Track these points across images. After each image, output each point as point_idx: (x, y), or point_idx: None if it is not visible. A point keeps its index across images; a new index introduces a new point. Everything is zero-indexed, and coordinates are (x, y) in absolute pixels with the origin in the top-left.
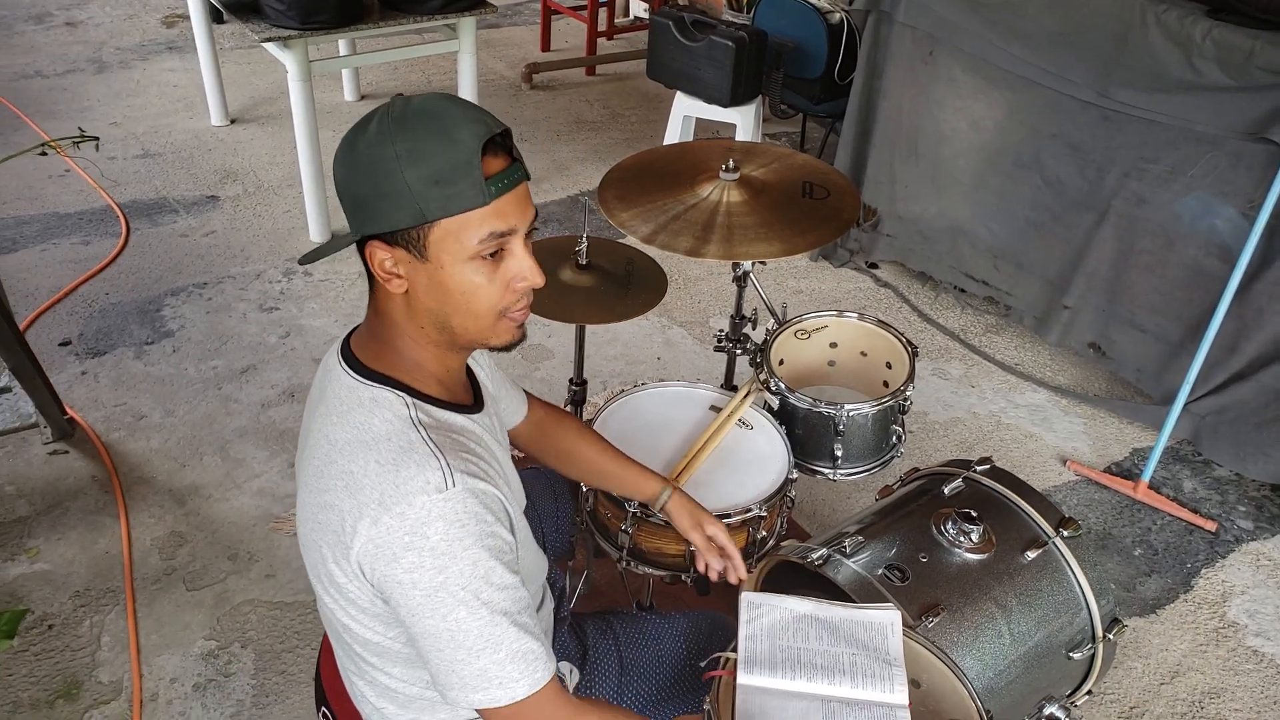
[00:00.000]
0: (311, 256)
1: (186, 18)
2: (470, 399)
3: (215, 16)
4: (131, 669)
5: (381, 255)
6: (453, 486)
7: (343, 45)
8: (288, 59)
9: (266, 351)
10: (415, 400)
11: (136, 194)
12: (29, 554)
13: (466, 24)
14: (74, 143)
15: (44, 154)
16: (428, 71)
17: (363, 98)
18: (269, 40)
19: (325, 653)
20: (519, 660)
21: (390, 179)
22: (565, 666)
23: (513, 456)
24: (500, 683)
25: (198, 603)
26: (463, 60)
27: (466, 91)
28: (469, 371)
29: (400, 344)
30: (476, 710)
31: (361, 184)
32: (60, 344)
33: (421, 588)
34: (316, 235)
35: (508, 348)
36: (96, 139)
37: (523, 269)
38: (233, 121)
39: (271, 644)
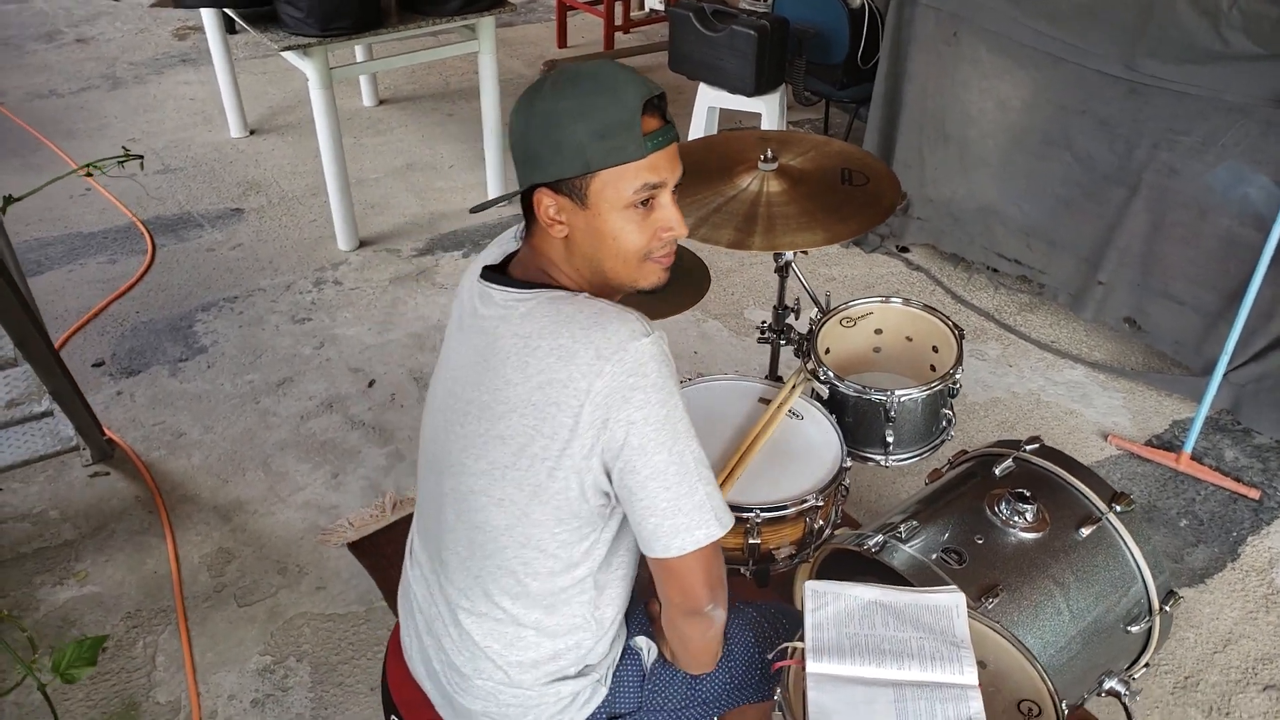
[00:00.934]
0: (483, 206)
1: (199, 29)
2: None
3: (229, 26)
4: (189, 688)
5: (548, 202)
6: (653, 332)
7: (359, 51)
8: (308, 67)
9: (302, 363)
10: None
11: (160, 210)
12: (78, 577)
13: (486, 24)
14: (119, 162)
15: (89, 174)
16: (445, 74)
17: (381, 102)
18: (289, 49)
19: (392, 662)
20: (718, 493)
21: (561, 131)
22: (644, 641)
23: None
24: (714, 514)
25: (250, 618)
26: (483, 60)
27: (488, 92)
28: None
29: (562, 280)
30: (685, 555)
31: (536, 136)
32: (94, 365)
33: (653, 422)
34: (344, 244)
35: (654, 290)
36: (140, 157)
37: (670, 219)
38: (252, 132)
39: (327, 656)
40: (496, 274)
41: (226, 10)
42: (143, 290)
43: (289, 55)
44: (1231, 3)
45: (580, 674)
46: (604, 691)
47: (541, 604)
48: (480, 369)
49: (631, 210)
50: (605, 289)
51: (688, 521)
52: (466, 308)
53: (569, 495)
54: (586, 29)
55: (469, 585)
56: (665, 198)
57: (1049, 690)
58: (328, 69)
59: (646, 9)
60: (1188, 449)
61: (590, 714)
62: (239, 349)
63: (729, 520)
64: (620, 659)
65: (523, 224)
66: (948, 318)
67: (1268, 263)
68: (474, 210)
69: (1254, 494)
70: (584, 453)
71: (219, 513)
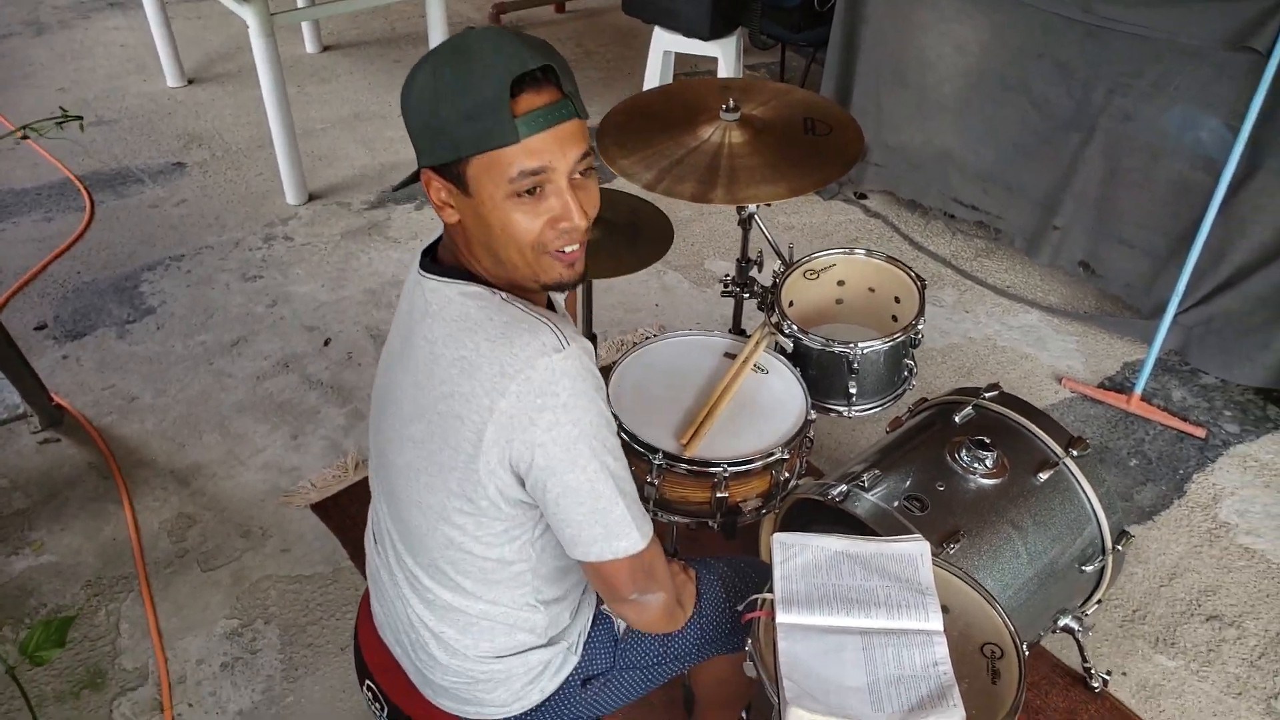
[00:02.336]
0: (404, 184)
1: None
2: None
3: None
4: (155, 653)
5: (436, 185)
6: (568, 345)
7: None
8: (247, 13)
9: (255, 322)
10: (505, 294)
11: (96, 165)
12: (33, 547)
13: None
14: (57, 124)
15: (24, 138)
16: (391, 19)
17: (325, 49)
18: None
19: (363, 627)
20: (637, 502)
21: (433, 113)
22: None
23: None
24: (637, 525)
25: (214, 583)
26: (431, 5)
27: (437, 35)
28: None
29: (472, 263)
30: (604, 562)
31: (413, 117)
32: (35, 328)
33: (561, 443)
34: (293, 198)
35: (559, 286)
36: (80, 118)
37: (561, 208)
38: (190, 82)
39: (295, 617)
40: (429, 258)
41: None
42: (83, 249)
43: (226, 1)
44: None
45: (549, 643)
46: (575, 659)
47: (481, 598)
48: (398, 365)
49: (516, 199)
50: (515, 281)
51: (605, 533)
52: (409, 284)
53: (483, 505)
54: None
55: (411, 575)
56: (558, 183)
57: (1010, 633)
58: (268, 15)
59: None
60: (1138, 390)
61: (563, 681)
62: (189, 309)
63: (649, 530)
64: (592, 625)
65: None
66: (910, 268)
67: (1218, 206)
68: (396, 189)
69: (1200, 433)
70: (490, 467)
71: (177, 477)
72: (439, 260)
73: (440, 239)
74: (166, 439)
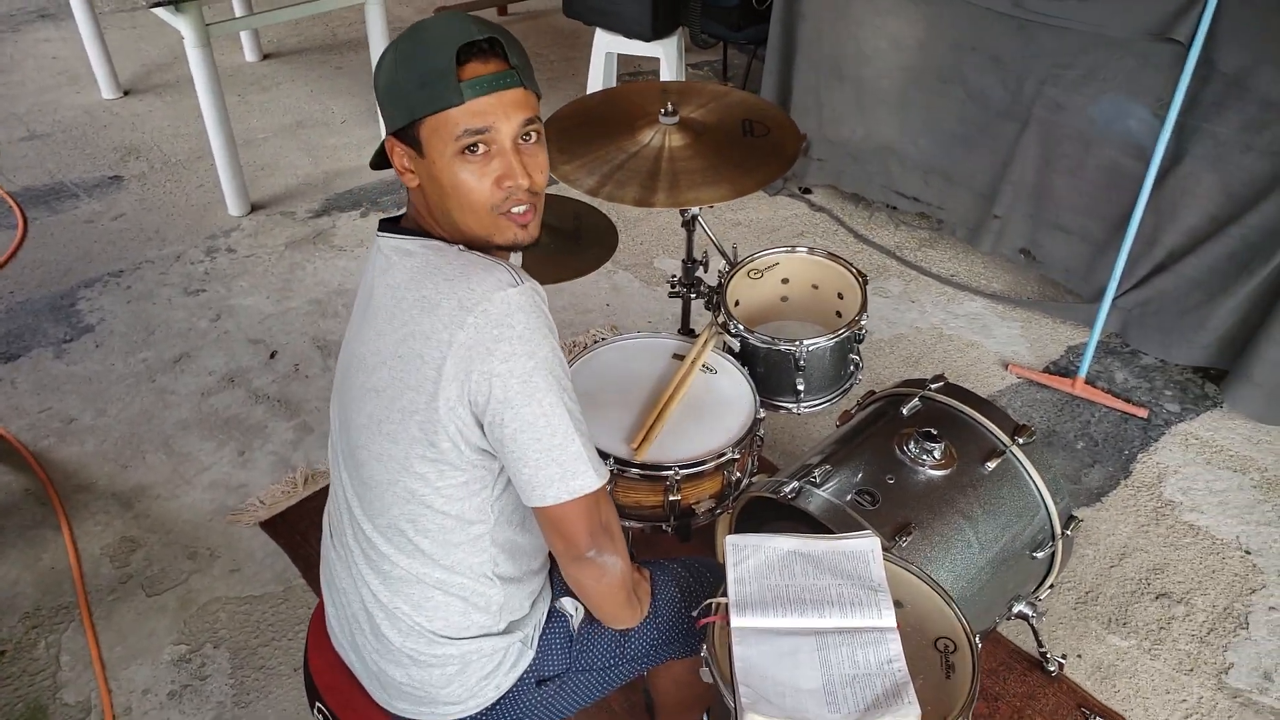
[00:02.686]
0: (376, 161)
1: None
2: None
3: None
4: (99, 686)
5: (399, 151)
6: (522, 283)
7: (238, 4)
8: (182, 24)
9: (198, 337)
10: (463, 246)
11: (28, 180)
12: None
13: None
14: None
15: None
16: (331, 25)
17: (265, 57)
18: (158, 5)
19: (313, 646)
20: (591, 445)
21: (391, 81)
22: (571, 603)
23: None
24: (592, 465)
25: (160, 608)
26: (371, 11)
27: (377, 42)
28: None
29: (432, 227)
30: (562, 504)
31: (380, 87)
32: None
33: (518, 375)
34: (235, 209)
35: (514, 247)
36: None
37: (504, 167)
38: (126, 93)
39: (246, 640)
40: (390, 223)
41: None
42: (16, 268)
43: (160, 12)
44: None
45: (506, 631)
46: (530, 655)
47: (439, 563)
48: (361, 321)
49: (464, 158)
50: (473, 243)
51: (561, 472)
52: (371, 252)
53: (443, 448)
54: None
55: (369, 545)
56: (502, 144)
57: (963, 627)
58: (204, 26)
59: None
60: (1082, 374)
61: (518, 678)
62: (129, 326)
63: (605, 474)
64: (546, 621)
65: None
66: (851, 264)
67: (1148, 192)
68: (373, 167)
69: (1142, 413)
70: (450, 405)
71: (119, 500)
72: (401, 225)
73: (403, 214)
74: (108, 460)
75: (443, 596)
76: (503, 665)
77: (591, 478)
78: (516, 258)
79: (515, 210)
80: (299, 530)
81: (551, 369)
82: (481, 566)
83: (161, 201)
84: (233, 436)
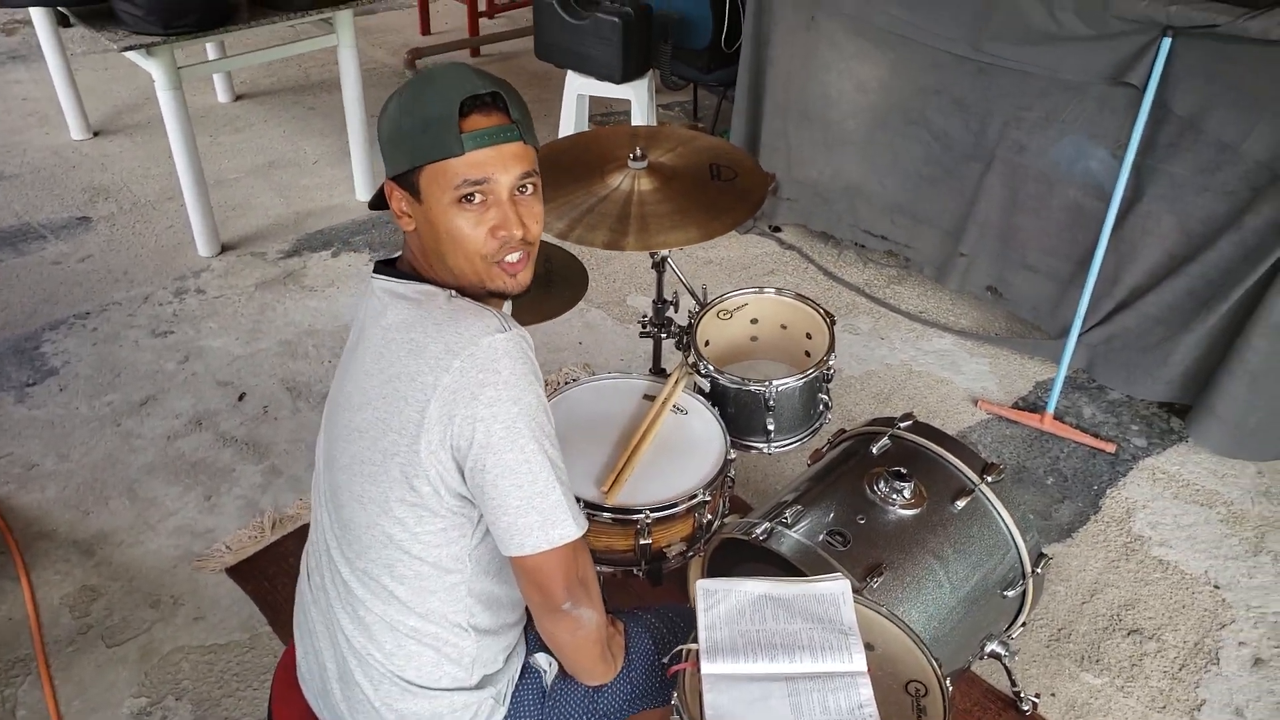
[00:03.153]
0: (374, 203)
1: (28, 23)
2: None
3: (62, 20)
4: None
5: (397, 195)
6: (510, 329)
7: (211, 47)
8: (153, 67)
9: (165, 379)
10: (455, 292)
11: None
12: None
13: (343, 17)
14: None
15: None
16: (305, 66)
17: (238, 98)
18: (130, 49)
19: (278, 697)
20: (572, 495)
21: (396, 127)
22: (545, 659)
23: None
24: (572, 515)
25: (121, 659)
26: (343, 54)
27: (350, 84)
28: None
29: (428, 271)
30: (540, 553)
31: (383, 132)
32: None
33: (502, 420)
34: (205, 249)
35: (505, 294)
36: None
37: (500, 218)
38: (96, 134)
39: (209, 690)
40: (385, 265)
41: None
42: None
43: (132, 55)
44: None
45: (479, 686)
46: (502, 711)
47: (414, 610)
48: (350, 361)
49: (460, 207)
50: (467, 289)
51: (541, 520)
52: (365, 294)
53: (423, 492)
54: (450, 14)
55: (344, 589)
56: (500, 196)
57: (934, 669)
58: (175, 69)
59: None
60: (1050, 409)
61: None
62: (94, 369)
63: (584, 524)
64: (520, 677)
65: None
66: (819, 305)
67: (1109, 231)
68: (371, 207)
69: (1110, 448)
70: (432, 448)
71: (80, 547)
72: (396, 267)
73: (397, 256)
74: (69, 507)
75: (416, 645)
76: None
77: (571, 527)
78: (508, 305)
79: (508, 259)
80: (266, 576)
81: (535, 416)
82: (456, 616)
83: (130, 242)
84: (199, 481)
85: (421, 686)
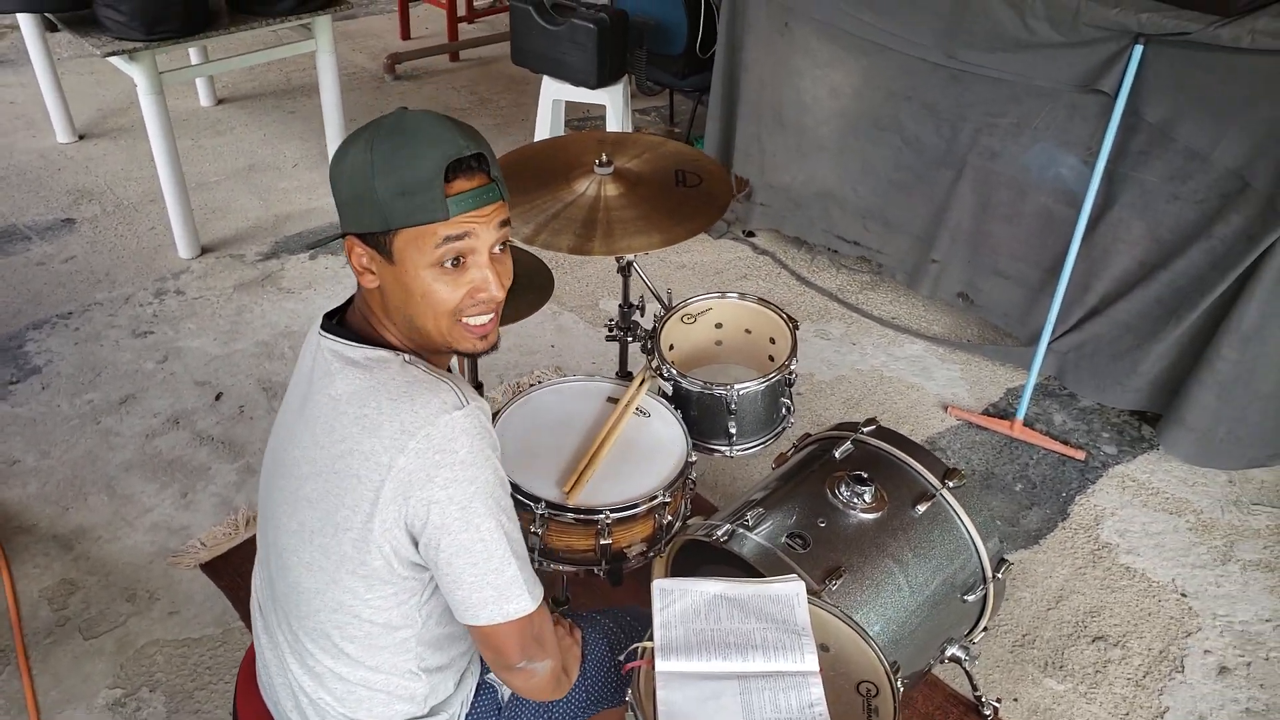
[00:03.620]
0: (319, 243)
1: (15, 28)
2: None
3: (49, 25)
4: None
5: (359, 251)
6: (468, 403)
7: (194, 52)
8: (135, 72)
9: (145, 379)
10: (410, 355)
11: None
12: None
13: (322, 23)
14: None
15: None
16: (286, 70)
17: (220, 102)
18: (112, 55)
19: (242, 694)
20: (529, 566)
21: (366, 185)
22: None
23: None
24: (526, 589)
25: (97, 651)
26: (322, 59)
27: (329, 90)
28: None
29: (384, 330)
30: (495, 625)
31: (344, 186)
32: None
33: (457, 501)
34: (185, 251)
35: (471, 355)
36: None
37: (480, 279)
38: (81, 137)
39: (182, 683)
40: (334, 321)
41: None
42: None
43: (115, 60)
44: None
45: (430, 714)
46: None
47: (364, 664)
48: (296, 422)
49: (439, 269)
50: (426, 347)
51: (496, 595)
52: (309, 346)
53: (374, 565)
54: (430, 19)
55: (294, 639)
56: (480, 257)
57: (885, 671)
58: (157, 73)
59: None
60: (1020, 416)
61: None
62: (76, 367)
63: (540, 594)
64: (475, 695)
65: None
66: (782, 310)
67: (1080, 238)
68: (310, 248)
69: (1079, 455)
70: (386, 526)
71: (59, 542)
72: (345, 323)
73: (348, 303)
74: (49, 503)
75: (366, 691)
76: None
77: (526, 601)
78: (454, 360)
79: (477, 321)
80: (240, 572)
81: (492, 492)
82: (407, 664)
83: (112, 244)
84: (176, 478)
85: None
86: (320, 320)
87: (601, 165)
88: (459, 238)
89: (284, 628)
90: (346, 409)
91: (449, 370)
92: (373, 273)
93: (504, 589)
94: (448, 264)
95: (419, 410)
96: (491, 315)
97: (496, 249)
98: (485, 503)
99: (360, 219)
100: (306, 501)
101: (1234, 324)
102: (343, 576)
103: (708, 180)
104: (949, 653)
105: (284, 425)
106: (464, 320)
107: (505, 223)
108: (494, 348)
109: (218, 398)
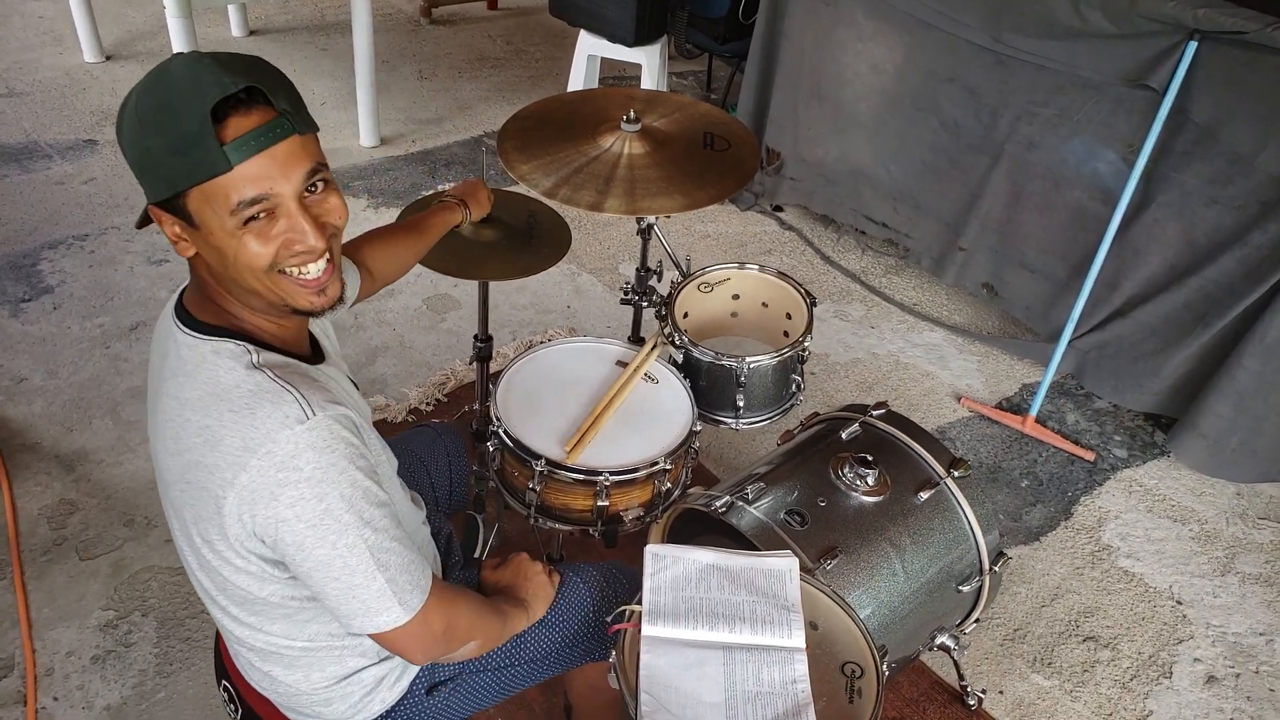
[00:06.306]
0: (141, 222)
1: None
2: (310, 353)
3: None
4: (23, 644)
5: (166, 220)
6: (313, 415)
7: None
8: None
9: (157, 307)
10: (256, 347)
11: (2, 137)
12: None
13: None
14: None
15: None
16: (321, 5)
17: (252, 33)
18: None
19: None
20: (407, 571)
21: (141, 149)
22: None
23: (408, 419)
24: (399, 598)
25: (92, 572)
26: None
27: (361, 28)
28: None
29: (226, 303)
30: (378, 634)
31: (127, 154)
32: None
33: (306, 519)
34: None
35: (311, 313)
36: None
37: (291, 229)
38: (108, 58)
39: (174, 610)
40: (183, 308)
41: None
42: None
43: None
44: None
45: (383, 659)
46: (415, 668)
47: (298, 639)
48: (152, 420)
49: (245, 227)
50: (268, 310)
51: (364, 608)
52: (160, 333)
53: (253, 570)
54: None
55: (230, 619)
56: (287, 206)
57: (872, 653)
58: None
59: None
60: (1033, 412)
61: (404, 690)
62: (89, 290)
63: (417, 602)
64: None
65: None
66: (801, 285)
67: (1112, 237)
68: (137, 227)
69: (1089, 456)
70: (239, 538)
71: (62, 462)
72: (190, 304)
73: (185, 290)
74: (54, 423)
75: (310, 658)
76: (384, 683)
77: (397, 613)
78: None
79: (305, 275)
80: None
81: (350, 504)
82: (332, 653)
83: None
84: None
85: (329, 685)
86: (174, 305)
87: (629, 121)
88: (256, 200)
89: (216, 608)
90: (191, 416)
91: (317, 352)
92: (186, 240)
93: (370, 603)
94: (251, 220)
95: (259, 425)
96: (324, 265)
97: (308, 192)
98: (339, 518)
99: (152, 186)
100: (174, 507)
101: (1259, 334)
102: (231, 576)
103: (736, 145)
104: (939, 641)
105: (150, 410)
106: (286, 271)
107: (313, 160)
108: (340, 302)
109: None
